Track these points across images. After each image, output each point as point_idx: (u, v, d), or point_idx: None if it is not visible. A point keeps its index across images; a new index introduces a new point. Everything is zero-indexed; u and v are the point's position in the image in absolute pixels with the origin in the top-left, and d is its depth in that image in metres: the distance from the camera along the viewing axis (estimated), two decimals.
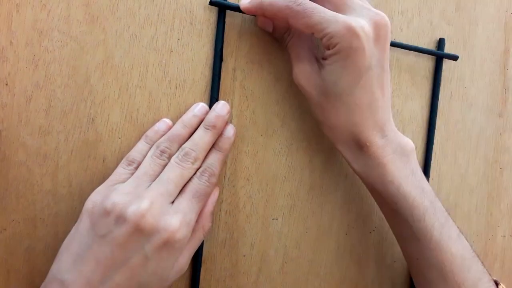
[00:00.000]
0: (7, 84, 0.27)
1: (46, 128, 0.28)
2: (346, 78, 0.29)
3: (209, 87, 0.32)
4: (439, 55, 0.39)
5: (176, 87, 0.31)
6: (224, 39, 0.32)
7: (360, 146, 0.31)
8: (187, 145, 0.29)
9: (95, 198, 0.27)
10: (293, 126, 0.35)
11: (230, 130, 0.31)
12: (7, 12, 0.27)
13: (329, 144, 0.36)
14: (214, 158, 0.30)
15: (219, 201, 0.33)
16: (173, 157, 0.29)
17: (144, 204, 0.26)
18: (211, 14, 0.32)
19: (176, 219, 0.26)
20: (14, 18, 0.27)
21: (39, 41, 0.27)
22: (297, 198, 0.35)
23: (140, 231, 0.25)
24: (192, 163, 0.29)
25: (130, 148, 0.30)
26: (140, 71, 0.30)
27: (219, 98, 0.32)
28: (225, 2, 0.31)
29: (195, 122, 0.30)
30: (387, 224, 0.35)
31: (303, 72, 0.31)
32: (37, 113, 0.28)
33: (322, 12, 0.28)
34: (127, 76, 0.30)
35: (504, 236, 0.45)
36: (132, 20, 0.30)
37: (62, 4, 0.28)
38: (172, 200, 0.28)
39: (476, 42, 0.42)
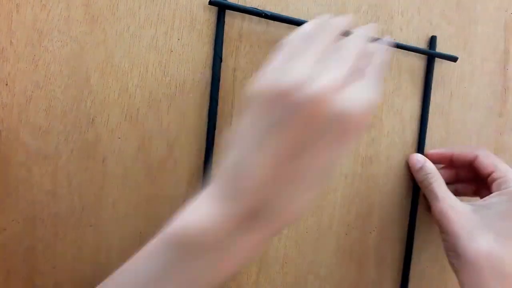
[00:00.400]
0: (7, 84, 0.27)
1: (46, 128, 0.28)
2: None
3: (209, 87, 0.32)
4: (432, 55, 0.39)
5: (176, 87, 0.31)
6: (224, 39, 0.32)
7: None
8: (360, 30, 0.27)
9: (266, 79, 0.24)
10: None
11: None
12: (7, 12, 0.27)
13: None
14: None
15: None
16: (349, 37, 0.26)
17: (327, 83, 0.22)
18: (211, 14, 0.32)
19: (362, 102, 0.23)
20: (14, 18, 0.27)
21: (39, 41, 0.27)
22: None
23: (323, 115, 0.22)
24: (365, 43, 0.26)
25: (130, 148, 0.30)
26: (140, 71, 0.30)
27: (219, 98, 0.32)
28: (224, 1, 0.31)
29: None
30: (387, 224, 0.36)
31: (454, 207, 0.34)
32: (37, 113, 0.28)
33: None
34: (127, 76, 0.30)
35: None
36: (132, 20, 0.30)
37: (62, 4, 0.28)
38: (350, 81, 0.24)
39: (476, 42, 0.42)
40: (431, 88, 0.40)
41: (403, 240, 0.41)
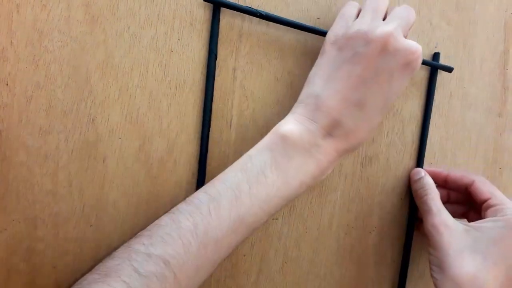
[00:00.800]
0: (7, 84, 0.27)
1: (46, 128, 0.28)
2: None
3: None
4: (434, 66, 0.40)
5: (176, 87, 0.31)
6: (224, 39, 0.32)
7: None
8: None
9: (335, 32, 0.31)
10: None
11: None
12: (7, 12, 0.27)
13: None
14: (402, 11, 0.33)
15: None
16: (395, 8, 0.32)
17: (388, 28, 0.29)
18: (211, 14, 0.32)
19: (416, 44, 0.30)
20: (15, 18, 0.27)
21: (39, 41, 0.27)
22: (297, 198, 0.36)
23: (386, 50, 0.29)
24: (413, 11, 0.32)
25: (130, 148, 0.30)
26: (140, 71, 0.30)
27: (213, 98, 0.32)
28: None
29: None
30: (387, 224, 0.36)
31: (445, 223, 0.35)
32: (37, 113, 0.28)
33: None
34: (127, 76, 0.30)
35: None
36: (132, 20, 0.30)
37: (63, 4, 0.28)
38: (405, 36, 0.31)
39: (476, 42, 0.42)
40: (433, 97, 0.40)
41: (403, 240, 0.41)
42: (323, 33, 0.33)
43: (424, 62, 0.38)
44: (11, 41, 0.27)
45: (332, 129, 0.29)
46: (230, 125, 0.33)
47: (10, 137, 0.27)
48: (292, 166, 0.29)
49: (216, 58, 0.32)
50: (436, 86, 0.40)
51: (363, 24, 0.30)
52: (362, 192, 0.38)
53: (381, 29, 0.29)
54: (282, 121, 0.30)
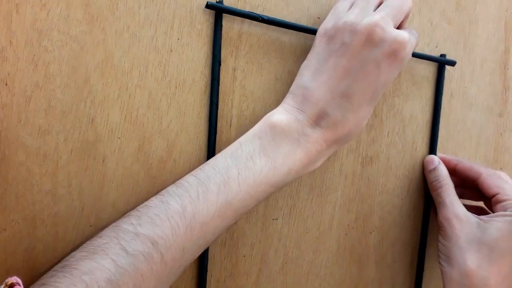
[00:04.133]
0: (6, 84, 0.27)
1: (45, 128, 0.28)
2: None
3: (208, 87, 0.32)
4: (435, 61, 0.40)
5: (176, 87, 0.31)
6: (224, 39, 0.32)
7: None
8: None
9: (325, 26, 0.31)
10: None
11: None
12: (6, 12, 0.27)
13: None
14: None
15: None
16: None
17: (374, 18, 0.29)
18: (211, 14, 0.32)
19: (405, 33, 0.30)
20: (14, 18, 0.27)
21: (38, 41, 0.27)
22: (297, 198, 0.35)
23: (372, 40, 0.29)
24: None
25: (130, 148, 0.30)
26: (139, 71, 0.30)
27: (219, 100, 0.32)
28: (221, 5, 0.31)
29: None
30: (387, 224, 0.35)
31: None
32: (36, 113, 0.28)
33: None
34: (127, 76, 0.30)
35: None
36: (132, 19, 0.30)
37: (62, 3, 0.28)
38: (396, 25, 0.31)
39: (476, 42, 0.42)
40: (441, 96, 0.40)
41: (403, 240, 0.41)
42: None
43: (425, 57, 0.38)
44: (10, 40, 0.27)
45: (319, 119, 0.30)
46: (230, 125, 0.33)
47: (10, 137, 0.27)
48: (280, 153, 0.29)
49: (220, 65, 0.32)
50: (436, 86, 0.40)
51: (351, 15, 0.30)
52: (362, 192, 0.38)
53: (367, 20, 0.29)
54: (273, 111, 0.31)
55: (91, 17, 0.29)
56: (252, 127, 0.33)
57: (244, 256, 0.34)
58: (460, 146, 0.42)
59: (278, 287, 0.35)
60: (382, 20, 0.29)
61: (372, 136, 0.38)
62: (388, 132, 0.39)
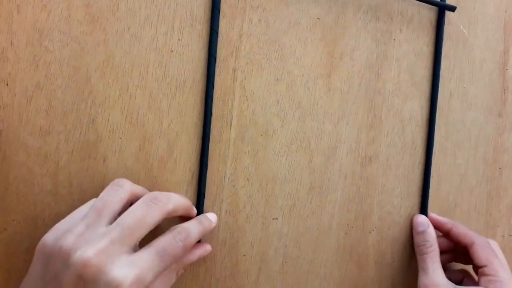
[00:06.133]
0: (7, 84, 0.27)
1: (46, 128, 0.28)
2: None
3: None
4: (435, 4, 0.39)
5: (177, 88, 0.31)
6: (224, 40, 0.32)
7: None
8: (156, 193, 0.27)
9: (47, 238, 0.25)
10: (293, 126, 0.35)
11: (213, 215, 0.32)
12: (7, 12, 0.27)
13: (329, 144, 0.36)
14: (195, 226, 0.29)
15: (219, 201, 0.33)
16: (139, 200, 0.27)
17: (89, 252, 0.23)
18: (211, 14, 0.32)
19: (128, 273, 0.23)
20: (15, 18, 0.27)
21: (39, 41, 0.27)
22: (297, 198, 0.36)
23: (83, 281, 0.23)
24: (159, 206, 0.26)
25: (130, 148, 0.30)
26: (140, 71, 0.30)
27: (213, 99, 0.32)
28: None
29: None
30: (387, 224, 0.36)
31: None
32: (37, 113, 0.28)
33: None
34: (128, 76, 0.30)
35: (503, 236, 0.45)
36: (132, 20, 0.30)
37: (63, 4, 0.28)
38: (130, 248, 0.25)
39: (475, 42, 0.42)
40: (442, 47, 0.39)
41: (402, 240, 0.41)
42: None
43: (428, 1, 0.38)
44: (11, 41, 0.27)
45: None
46: (230, 125, 0.33)
47: (10, 137, 0.27)
48: None
49: (215, 61, 0.32)
50: (437, 31, 0.40)
51: (72, 236, 0.24)
52: (362, 192, 0.38)
53: (80, 253, 0.23)
54: None
55: (92, 18, 0.29)
56: (252, 127, 0.33)
57: (244, 256, 0.34)
58: (459, 146, 0.42)
59: (278, 286, 0.36)
60: (97, 257, 0.23)
61: (371, 136, 0.38)
62: (387, 132, 0.39)
